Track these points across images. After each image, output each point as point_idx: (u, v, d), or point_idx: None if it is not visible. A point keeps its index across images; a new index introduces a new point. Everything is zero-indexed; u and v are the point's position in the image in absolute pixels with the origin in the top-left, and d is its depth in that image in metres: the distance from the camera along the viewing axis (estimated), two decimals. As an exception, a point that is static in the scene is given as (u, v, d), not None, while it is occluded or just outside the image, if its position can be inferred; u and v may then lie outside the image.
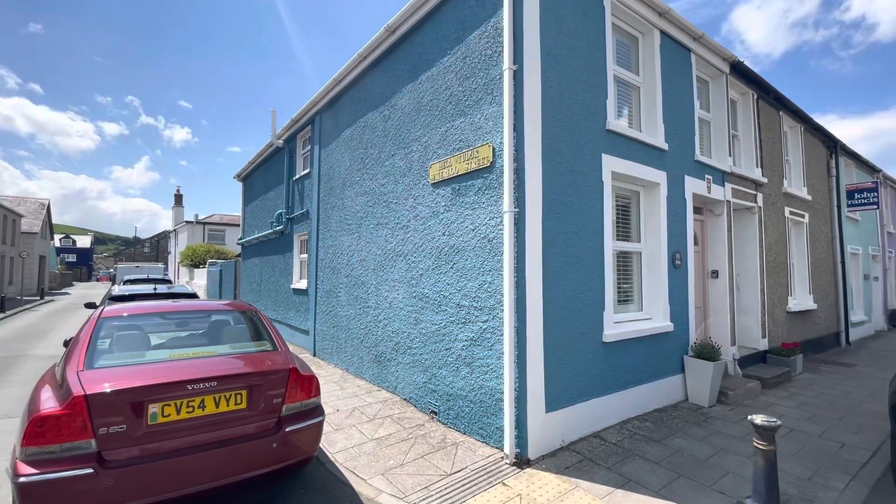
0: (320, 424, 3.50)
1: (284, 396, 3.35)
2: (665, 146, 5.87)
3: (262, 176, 13.27)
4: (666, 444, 4.58)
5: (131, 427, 2.76)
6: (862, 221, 12.77)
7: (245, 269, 14.75)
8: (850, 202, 11.59)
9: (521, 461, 4.10)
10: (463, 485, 3.76)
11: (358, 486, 3.79)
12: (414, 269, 5.82)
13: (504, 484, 3.76)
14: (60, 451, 2.60)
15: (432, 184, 5.52)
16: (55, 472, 2.51)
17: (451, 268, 5.14)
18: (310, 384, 3.53)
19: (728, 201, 7.07)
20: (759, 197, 7.88)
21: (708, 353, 5.76)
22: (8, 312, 17.67)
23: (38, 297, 25.25)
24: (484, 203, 4.70)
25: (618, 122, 5.33)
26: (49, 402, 2.71)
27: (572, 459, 4.18)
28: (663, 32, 6.04)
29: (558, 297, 4.49)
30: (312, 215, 9.23)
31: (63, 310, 20.10)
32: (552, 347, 4.39)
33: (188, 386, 2.96)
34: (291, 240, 10.59)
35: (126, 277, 14.32)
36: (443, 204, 5.33)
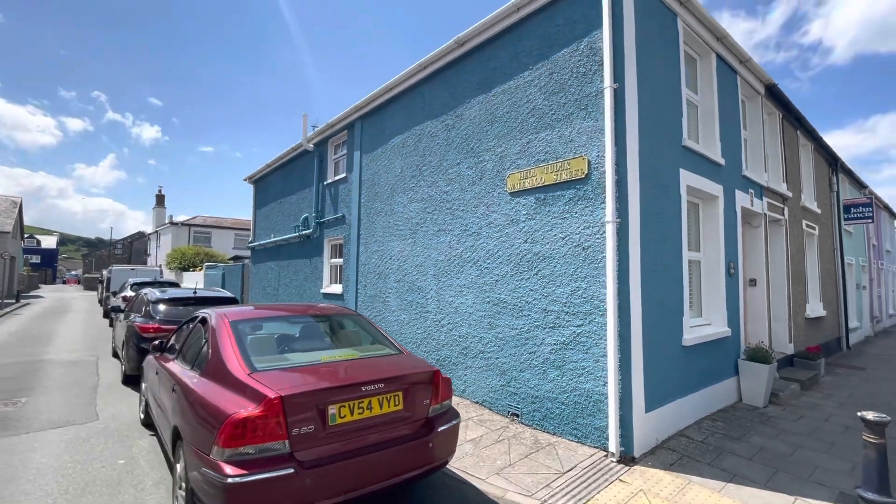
0: (458, 425, 3.62)
1: (431, 398, 3.45)
2: (722, 161, 6.26)
3: (280, 179, 13.15)
4: (747, 441, 4.88)
5: (317, 428, 2.83)
6: (854, 234, 13.68)
7: (256, 272, 14.51)
8: (846, 216, 12.42)
9: (626, 459, 4.30)
10: (581, 482, 3.94)
11: (479, 485, 3.91)
12: (487, 274, 5.98)
13: (621, 480, 3.96)
14: (256, 452, 2.65)
15: (510, 193, 5.72)
16: (261, 473, 2.56)
17: (535, 274, 5.33)
18: (448, 386, 3.64)
19: (765, 214, 7.55)
20: (786, 210, 8.42)
21: (762, 356, 6.14)
22: (-8, 316, 16.76)
23: (14, 301, 23.99)
24: (577, 213, 4.92)
25: (690, 139, 5.67)
26: (239, 405, 2.73)
27: (672, 457, 4.42)
28: (718, 55, 6.45)
29: (650, 302, 4.75)
30: (351, 220, 9.26)
31: (49, 313, 19.19)
32: (647, 351, 4.63)
33: (362, 388, 3.04)
34: (321, 244, 10.56)
35: (133, 281, 13.89)
36: (524, 213, 5.53)
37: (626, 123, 4.55)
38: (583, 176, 4.87)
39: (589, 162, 4.83)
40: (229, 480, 2.50)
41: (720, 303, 6.11)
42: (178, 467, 3.24)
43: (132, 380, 7.39)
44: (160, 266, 22.47)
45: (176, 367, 3.87)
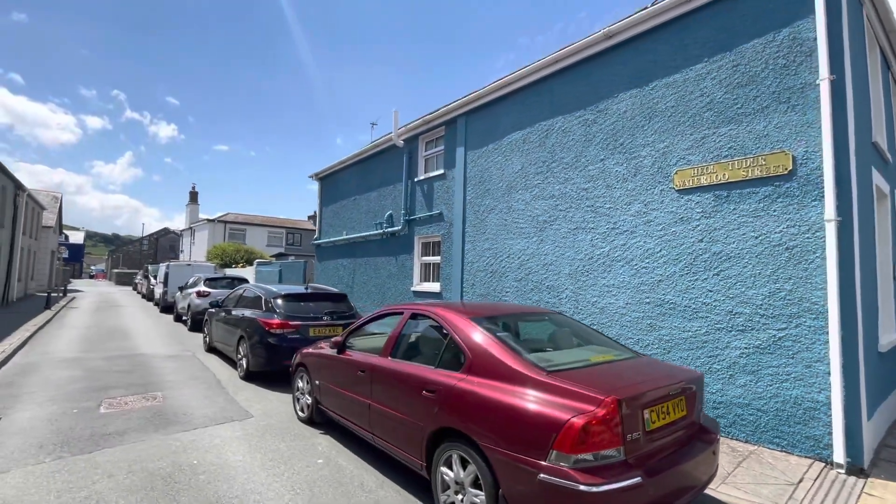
0: (717, 433, 3.43)
1: (700, 403, 3.27)
2: (890, 158, 5.99)
3: (355, 176, 13.06)
4: (958, 454, 4.63)
5: (640, 433, 2.65)
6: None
7: (323, 269, 14.44)
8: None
9: (855, 470, 4.08)
10: (825, 496, 3.72)
11: (718, 496, 3.71)
12: (646, 274, 5.77)
13: (869, 494, 3.74)
14: (595, 458, 2.48)
15: (678, 190, 5.51)
16: (616, 482, 2.39)
17: (716, 275, 5.11)
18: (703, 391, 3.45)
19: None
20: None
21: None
22: (54, 310, 16.91)
23: (62, 294, 24.26)
24: (775, 211, 4.70)
25: (877, 135, 5.42)
26: (567, 408, 2.56)
27: (899, 469, 4.19)
28: (881, 48, 6.18)
29: (865, 304, 4.51)
30: (452, 217, 9.11)
31: (101, 307, 19.35)
32: (866, 355, 4.40)
33: (668, 391, 2.87)
34: (410, 242, 10.42)
35: (206, 277, 13.92)
36: (698, 210, 5.32)
37: (848, 117, 4.32)
38: (785, 172, 4.64)
39: (793, 158, 4.61)
40: (590, 489, 2.34)
41: (891, 305, 5.84)
42: (451, 472, 3.09)
43: (255, 376, 7.32)
44: (214, 264, 22.55)
45: (409, 367, 3.70)
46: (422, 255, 10.29)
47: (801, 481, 3.94)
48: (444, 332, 3.60)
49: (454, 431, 3.10)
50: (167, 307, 17.55)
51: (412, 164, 10.62)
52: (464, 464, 3.03)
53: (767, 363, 4.66)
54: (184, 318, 14.56)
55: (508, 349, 3.14)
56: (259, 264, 20.15)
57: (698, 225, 5.31)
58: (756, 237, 4.83)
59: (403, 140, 10.70)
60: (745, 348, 4.82)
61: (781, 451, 4.51)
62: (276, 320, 6.98)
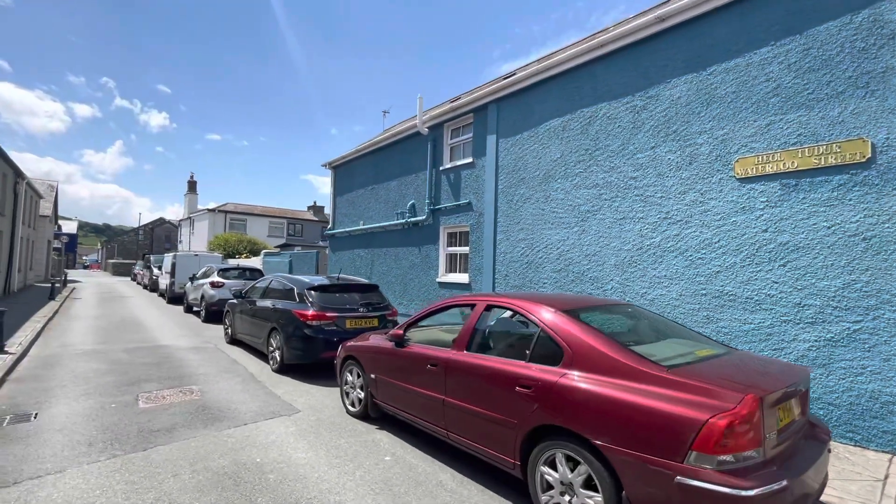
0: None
1: (807, 400, 3.13)
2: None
3: (371, 165, 12.78)
4: None
5: (773, 433, 2.51)
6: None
7: (337, 260, 14.19)
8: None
9: (939, 466, 3.99)
10: (917, 492, 3.62)
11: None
12: (702, 265, 5.63)
13: (962, 491, 3.64)
14: (735, 460, 2.33)
15: (740, 178, 5.35)
16: (767, 486, 2.24)
17: (782, 266, 4.98)
18: None
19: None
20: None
21: None
22: (59, 301, 16.54)
23: (62, 285, 23.79)
24: (851, 200, 4.56)
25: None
26: (703, 407, 2.40)
27: (982, 465, 4.10)
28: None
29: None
30: (482, 207, 8.91)
31: (105, 298, 18.98)
32: (944, 350, 4.29)
33: (795, 389, 2.72)
34: (435, 232, 10.22)
35: (219, 267, 13.65)
36: (762, 199, 5.17)
37: (936, 102, 4.17)
38: (862, 160, 4.49)
39: (872, 145, 4.45)
40: (739, 493, 2.19)
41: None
42: (554, 472, 2.94)
43: (288, 368, 7.12)
44: (220, 254, 22.16)
45: (493, 361, 3.52)
46: (447, 246, 10.09)
47: (887, 477, 3.85)
48: (533, 325, 3.43)
49: (558, 429, 2.94)
50: (175, 298, 17.23)
51: (437, 153, 10.37)
52: (570, 463, 2.87)
53: (840, 356, 4.55)
54: (195, 308, 14.30)
55: (613, 343, 2.97)
56: (266, 255, 19.84)
57: (762, 214, 5.16)
58: (828, 227, 4.69)
59: (428, 128, 10.43)
60: (815, 341, 4.71)
61: (856, 445, 4.42)
62: (313, 312, 6.76)
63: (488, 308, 3.93)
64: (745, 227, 5.29)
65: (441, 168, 10.15)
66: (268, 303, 7.86)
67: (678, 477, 2.34)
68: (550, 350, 3.22)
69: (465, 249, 9.53)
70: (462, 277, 9.43)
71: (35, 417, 4.88)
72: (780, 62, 5.10)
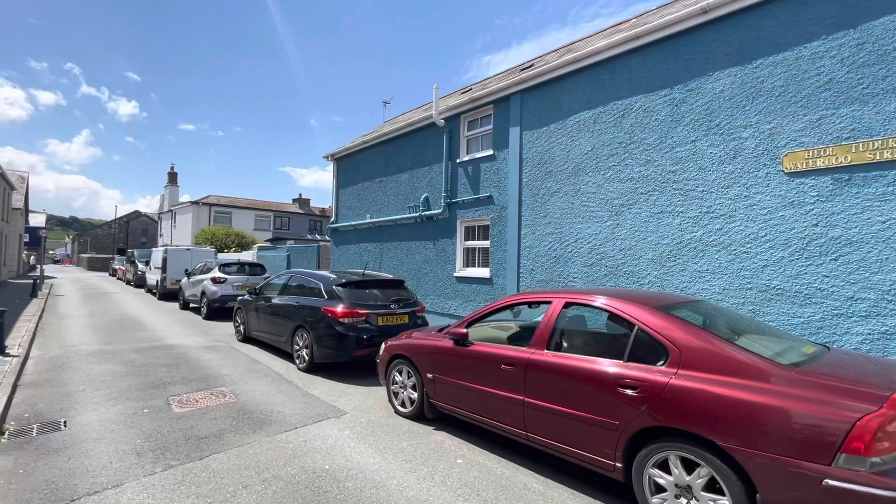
0: None
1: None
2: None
3: (380, 157, 12.48)
4: None
5: (907, 433, 2.47)
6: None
7: (342, 254, 13.88)
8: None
9: None
10: None
11: None
12: (747, 260, 5.65)
13: None
14: (882, 462, 2.27)
15: (788, 173, 5.36)
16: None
17: (833, 260, 5.02)
18: None
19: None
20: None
21: None
22: (42, 298, 15.72)
23: (39, 279, 22.65)
24: (908, 195, 4.61)
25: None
26: (855, 409, 2.32)
27: None
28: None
29: None
30: (505, 201, 8.78)
31: (88, 295, 18.17)
32: None
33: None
34: (452, 225, 10.04)
35: (220, 262, 13.19)
36: (812, 194, 5.19)
37: None
38: (920, 155, 4.53)
39: (931, 140, 4.49)
40: (898, 496, 2.14)
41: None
42: (667, 475, 2.85)
43: (317, 368, 6.89)
44: (213, 249, 21.43)
45: (584, 361, 3.40)
46: (465, 240, 9.94)
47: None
48: (626, 323, 3.33)
49: (669, 430, 2.86)
50: (167, 294, 16.62)
51: (453, 145, 10.17)
52: (686, 465, 2.79)
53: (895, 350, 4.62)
54: (192, 305, 13.81)
55: (725, 342, 2.90)
56: (261, 249, 19.28)
57: (812, 209, 5.18)
58: (883, 221, 4.73)
59: (443, 119, 10.20)
60: (869, 334, 4.77)
61: (911, 436, 4.50)
62: (345, 309, 6.53)
63: (566, 306, 3.81)
64: (794, 221, 5.31)
65: (458, 160, 9.96)
66: (290, 300, 7.58)
67: (827, 480, 2.28)
68: (651, 349, 3.13)
69: (485, 243, 9.40)
70: (482, 272, 9.30)
71: (65, 426, 4.56)
72: (833, 56, 5.11)
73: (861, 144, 4.87)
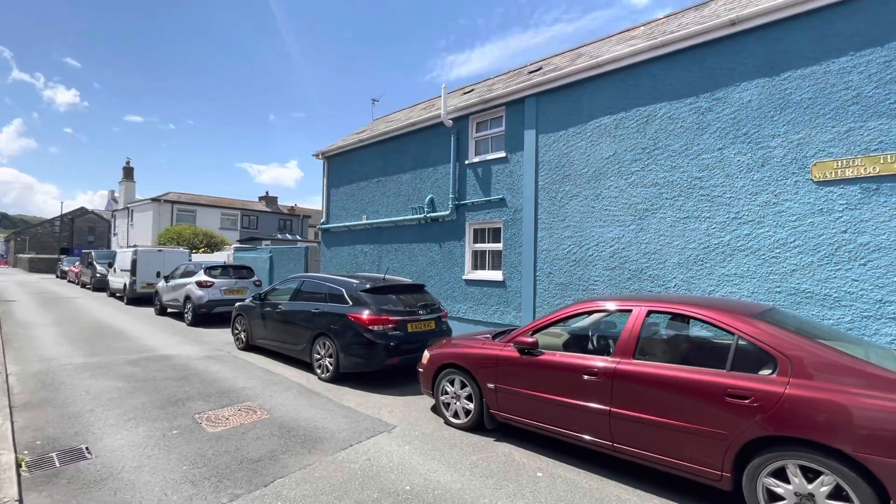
0: None
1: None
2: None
3: (378, 156, 12.15)
4: None
5: None
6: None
7: (334, 256, 13.41)
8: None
9: None
10: None
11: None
12: (776, 264, 5.87)
13: None
14: None
15: (817, 181, 5.61)
16: None
17: (862, 265, 5.29)
18: None
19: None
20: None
21: None
22: (-7, 304, 14.25)
23: (-20, 285, 20.57)
24: (935, 204, 4.92)
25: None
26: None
27: None
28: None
29: None
30: (519, 203, 8.75)
31: (44, 301, 16.63)
32: None
33: None
34: (460, 228, 9.91)
35: (206, 264, 12.42)
36: (841, 202, 5.45)
37: None
38: (947, 168, 4.85)
39: (957, 154, 4.82)
40: None
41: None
42: (785, 484, 2.87)
43: (342, 378, 6.58)
44: (189, 250, 20.16)
45: (681, 371, 3.37)
46: (473, 242, 9.83)
47: None
48: (725, 332, 3.34)
49: (785, 439, 2.88)
50: (136, 299, 15.49)
51: (461, 146, 10.03)
52: (805, 474, 2.82)
53: (923, 349, 4.92)
54: (170, 311, 12.94)
55: (832, 349, 2.95)
56: (237, 250, 18.36)
57: (841, 216, 5.45)
58: (911, 229, 5.03)
59: (451, 119, 10.04)
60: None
61: (939, 430, 4.81)
62: (372, 316, 6.26)
63: (649, 314, 3.79)
64: (823, 227, 5.56)
65: (467, 162, 9.83)
66: (306, 306, 7.20)
67: None
68: (755, 358, 3.16)
69: (496, 246, 9.33)
70: (494, 274, 9.23)
71: (90, 453, 4.09)
72: (861, 72, 5.38)
73: (889, 156, 5.16)
